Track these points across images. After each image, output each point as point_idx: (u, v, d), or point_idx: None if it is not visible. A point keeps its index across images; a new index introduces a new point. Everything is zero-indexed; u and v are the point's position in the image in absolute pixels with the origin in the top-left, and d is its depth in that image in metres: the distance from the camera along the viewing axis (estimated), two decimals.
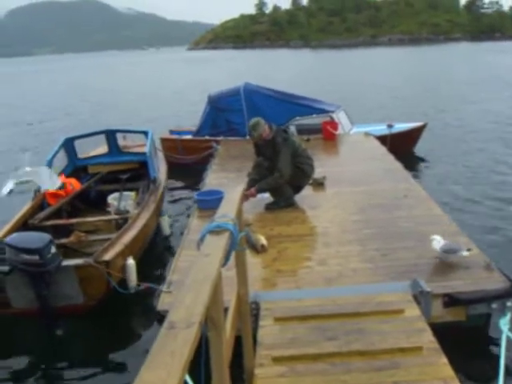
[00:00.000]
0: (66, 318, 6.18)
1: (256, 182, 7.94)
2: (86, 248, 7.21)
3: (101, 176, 9.93)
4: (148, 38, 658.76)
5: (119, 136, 10.54)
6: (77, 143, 9.99)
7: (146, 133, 10.10)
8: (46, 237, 6.02)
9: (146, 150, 9.61)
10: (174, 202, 11.16)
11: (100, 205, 9.08)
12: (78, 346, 5.97)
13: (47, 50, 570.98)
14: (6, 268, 5.86)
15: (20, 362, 5.74)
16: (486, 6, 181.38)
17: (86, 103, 32.46)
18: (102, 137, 10.27)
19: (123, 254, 6.50)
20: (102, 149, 10.58)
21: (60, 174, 9.24)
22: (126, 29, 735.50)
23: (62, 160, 9.69)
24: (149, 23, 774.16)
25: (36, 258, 5.75)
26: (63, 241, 7.05)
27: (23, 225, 7.45)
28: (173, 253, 7.09)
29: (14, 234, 6.23)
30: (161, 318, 4.80)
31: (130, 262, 6.53)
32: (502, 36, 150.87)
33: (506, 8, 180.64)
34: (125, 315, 6.58)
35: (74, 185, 9.10)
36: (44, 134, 20.91)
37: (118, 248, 6.49)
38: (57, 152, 9.29)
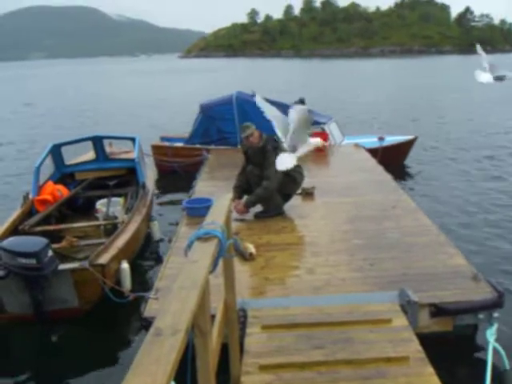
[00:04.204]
0: (60, 322, 6.15)
1: (240, 189, 8.08)
2: (76, 253, 7.20)
3: (88, 182, 9.91)
4: (139, 44, 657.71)
5: (105, 142, 10.50)
6: (63, 150, 9.94)
7: (133, 139, 10.08)
8: (42, 241, 6.00)
9: (134, 155, 9.60)
10: (164, 208, 11.13)
11: (87, 211, 9.09)
12: (70, 351, 5.94)
13: (41, 54, 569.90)
14: (1, 272, 5.80)
15: (14, 368, 5.70)
16: (476, 19, 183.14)
17: (74, 110, 32.35)
18: (89, 143, 10.23)
19: (118, 258, 6.53)
20: (89, 155, 10.55)
21: (47, 181, 9.20)
22: (118, 35, 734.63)
23: (49, 167, 9.64)
24: (140, 30, 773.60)
25: (33, 261, 5.73)
26: (54, 246, 7.03)
27: (13, 231, 7.42)
28: (162, 259, 7.09)
29: (10, 238, 6.19)
30: (147, 324, 4.78)
31: (125, 265, 6.58)
32: (493, 49, 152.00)
33: (496, 21, 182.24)
34: (116, 320, 6.55)
35: (62, 191, 9.08)
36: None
37: (112, 252, 6.51)
38: (44, 158, 9.21)
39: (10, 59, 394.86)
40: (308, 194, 8.86)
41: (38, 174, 8.74)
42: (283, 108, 13.50)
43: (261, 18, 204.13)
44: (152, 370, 1.73)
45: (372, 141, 13.27)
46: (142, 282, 7.13)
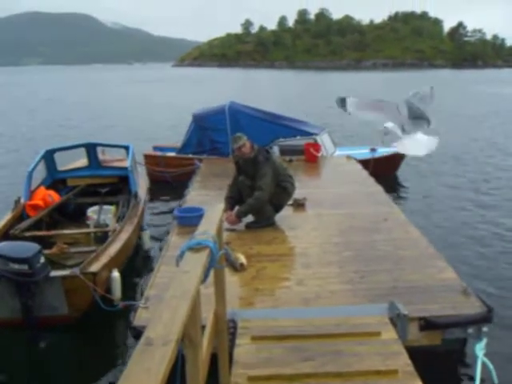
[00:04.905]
0: (49, 329, 6.12)
1: (232, 200, 8.06)
2: (65, 260, 7.19)
3: (80, 189, 9.89)
4: (134, 52, 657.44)
5: (98, 150, 10.49)
6: (56, 156, 9.92)
7: (127, 147, 10.07)
8: (35, 247, 5.99)
9: (127, 164, 9.58)
10: (155, 217, 11.11)
11: (78, 217, 9.06)
12: (58, 359, 5.93)
13: (36, 60, 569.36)
14: None
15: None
16: (469, 33, 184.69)
17: (68, 117, 32.29)
18: (82, 150, 10.21)
19: (108, 267, 6.51)
20: (81, 162, 10.53)
21: (39, 186, 9.18)
22: (113, 43, 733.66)
23: (41, 172, 9.62)
24: (135, 38, 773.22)
25: (25, 267, 5.71)
26: (44, 252, 7.00)
27: (4, 235, 7.40)
28: (152, 268, 7.07)
29: (3, 243, 6.19)
30: (137, 332, 4.77)
31: (115, 274, 6.57)
32: (484, 64, 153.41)
33: (489, 36, 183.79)
34: (105, 328, 6.52)
35: (54, 197, 9.06)
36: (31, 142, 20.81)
37: (103, 260, 6.49)
38: (37, 164, 9.20)
39: (3, 65, 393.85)
40: (299, 205, 8.87)
41: (30, 179, 8.73)
42: (264, 116, 13.66)
43: (255, 29, 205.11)
44: (143, 379, 1.72)
45: (364, 152, 13.32)
46: (132, 291, 7.11)
